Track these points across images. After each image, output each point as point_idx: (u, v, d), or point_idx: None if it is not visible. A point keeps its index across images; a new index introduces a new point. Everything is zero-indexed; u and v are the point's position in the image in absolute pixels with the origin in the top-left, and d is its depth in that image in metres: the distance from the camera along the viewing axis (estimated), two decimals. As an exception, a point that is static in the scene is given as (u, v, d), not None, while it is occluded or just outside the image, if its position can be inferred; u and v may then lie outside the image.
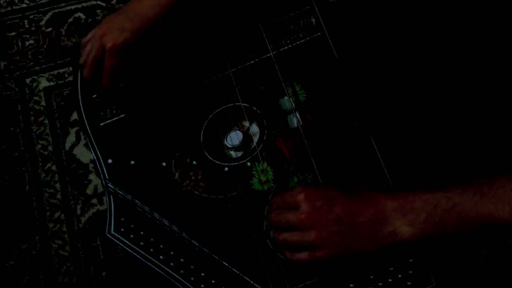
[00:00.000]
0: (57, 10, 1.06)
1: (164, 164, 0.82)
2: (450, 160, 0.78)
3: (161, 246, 0.77)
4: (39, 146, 0.96)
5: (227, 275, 0.75)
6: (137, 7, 0.79)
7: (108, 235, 0.78)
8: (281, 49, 0.85)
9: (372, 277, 0.71)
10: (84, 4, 1.06)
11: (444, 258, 0.71)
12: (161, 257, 0.76)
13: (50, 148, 0.96)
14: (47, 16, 1.05)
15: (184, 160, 0.82)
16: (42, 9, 1.06)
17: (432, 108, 0.81)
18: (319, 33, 0.85)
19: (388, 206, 0.67)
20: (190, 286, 0.74)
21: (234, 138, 0.82)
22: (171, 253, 0.76)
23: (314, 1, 0.87)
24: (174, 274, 0.75)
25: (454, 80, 0.82)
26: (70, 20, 1.05)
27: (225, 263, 0.75)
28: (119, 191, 0.80)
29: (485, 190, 0.63)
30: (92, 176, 0.94)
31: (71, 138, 0.96)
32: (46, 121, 0.98)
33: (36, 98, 1.00)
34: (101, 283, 0.88)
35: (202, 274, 0.75)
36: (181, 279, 0.75)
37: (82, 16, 1.05)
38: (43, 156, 0.96)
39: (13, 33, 1.05)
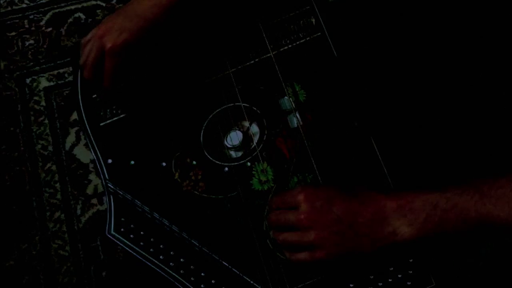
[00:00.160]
0: (57, 10, 1.06)
1: (164, 164, 0.82)
2: (450, 160, 0.78)
3: (161, 246, 0.77)
4: (39, 146, 0.96)
5: (227, 275, 0.75)
6: (137, 8, 0.79)
7: (108, 235, 0.79)
8: (281, 49, 0.85)
9: (372, 277, 0.71)
10: (84, 4, 1.06)
11: (444, 258, 0.71)
12: (161, 257, 0.76)
13: (50, 148, 0.96)
14: (47, 16, 1.05)
15: (184, 160, 0.82)
16: (42, 9, 1.06)
17: (432, 108, 0.81)
18: (319, 33, 0.85)
19: (387, 206, 0.67)
20: (190, 286, 0.74)
21: (234, 138, 0.82)
22: (171, 253, 0.76)
23: (314, 1, 0.87)
24: (174, 274, 0.75)
25: (454, 80, 0.82)
26: (70, 20, 1.05)
27: (225, 263, 0.75)
28: (119, 191, 0.80)
29: (485, 190, 0.63)
30: (92, 176, 0.94)
31: (71, 138, 0.96)
32: (46, 121, 0.98)
33: (36, 98, 1.00)
34: (101, 283, 0.88)
35: (202, 274, 0.75)
36: (181, 279, 0.75)
37: (82, 16, 1.05)
38: (43, 156, 0.96)
39: (13, 33, 1.05)
